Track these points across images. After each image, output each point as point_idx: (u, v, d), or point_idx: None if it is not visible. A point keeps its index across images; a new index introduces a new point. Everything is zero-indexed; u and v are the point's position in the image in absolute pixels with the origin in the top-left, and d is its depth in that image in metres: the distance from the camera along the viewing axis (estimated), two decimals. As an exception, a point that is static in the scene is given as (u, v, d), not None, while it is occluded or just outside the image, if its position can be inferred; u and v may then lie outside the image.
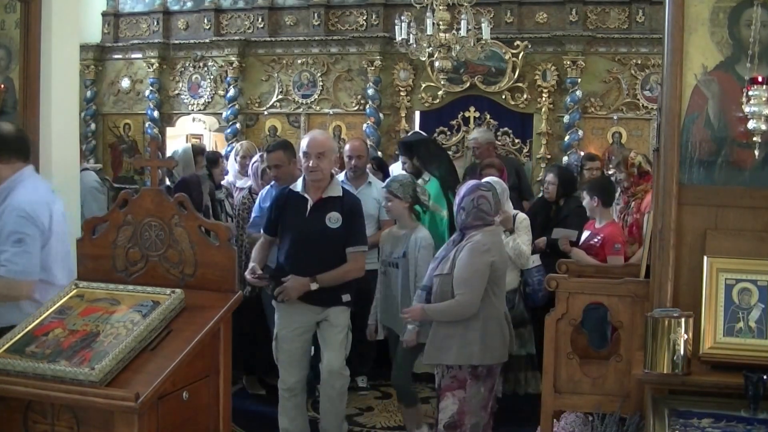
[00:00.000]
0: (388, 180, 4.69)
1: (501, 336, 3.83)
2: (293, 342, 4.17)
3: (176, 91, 9.66)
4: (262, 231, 4.32)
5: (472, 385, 3.74)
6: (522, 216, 5.06)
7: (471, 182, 4.09)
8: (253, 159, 5.72)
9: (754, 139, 2.87)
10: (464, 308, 3.69)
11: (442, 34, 6.95)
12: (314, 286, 4.00)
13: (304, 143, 4.09)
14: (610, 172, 6.05)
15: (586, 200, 5.11)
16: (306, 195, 4.11)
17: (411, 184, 4.52)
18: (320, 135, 4.26)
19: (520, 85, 8.46)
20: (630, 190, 5.45)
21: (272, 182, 5.03)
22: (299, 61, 9.14)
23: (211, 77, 9.48)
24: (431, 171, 5.50)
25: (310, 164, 4.01)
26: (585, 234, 5.16)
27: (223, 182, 6.07)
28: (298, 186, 4.17)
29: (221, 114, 9.41)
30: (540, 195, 6.26)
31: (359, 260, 4.13)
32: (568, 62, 8.25)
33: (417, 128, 8.70)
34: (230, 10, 9.43)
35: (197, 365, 2.73)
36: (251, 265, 4.13)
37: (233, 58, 9.19)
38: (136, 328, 2.63)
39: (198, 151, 5.86)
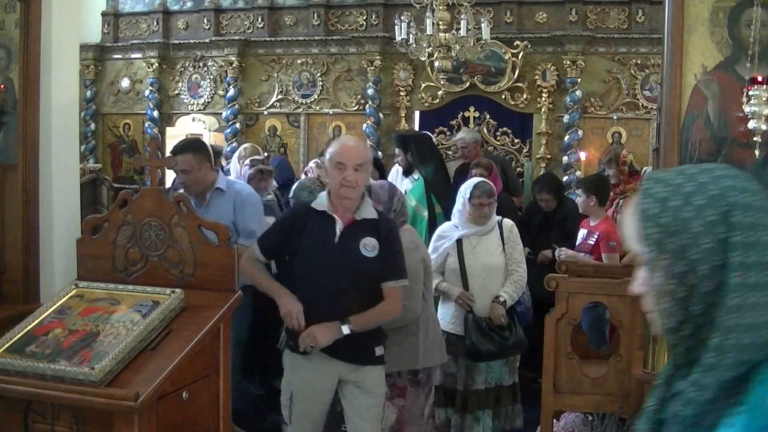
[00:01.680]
0: (293, 188, 4.55)
1: (439, 337, 3.77)
2: (310, 403, 3.27)
3: (176, 91, 9.66)
4: (256, 248, 3.33)
5: (412, 392, 3.58)
6: (510, 223, 4.48)
7: (382, 183, 3.85)
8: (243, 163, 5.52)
9: (754, 138, 2.88)
10: (407, 312, 3.38)
11: (441, 34, 6.95)
12: (346, 330, 3.09)
13: (336, 152, 3.23)
14: (600, 168, 6.04)
15: (582, 198, 5.11)
16: (334, 215, 3.21)
17: (308, 188, 4.42)
18: (357, 143, 3.43)
19: (520, 85, 8.46)
20: (619, 187, 5.45)
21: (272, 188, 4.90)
22: (299, 61, 9.13)
23: (211, 77, 9.48)
24: (419, 170, 5.47)
25: (347, 178, 3.14)
26: (581, 234, 5.16)
27: None
28: (321, 203, 3.24)
29: (221, 114, 9.41)
30: (533, 200, 6.27)
31: (398, 298, 3.23)
32: (568, 62, 8.25)
33: (417, 128, 8.72)
34: (230, 10, 9.43)
35: (197, 365, 2.72)
36: (290, 306, 3.13)
37: (233, 58, 9.19)
38: (136, 328, 2.62)
39: (217, 152, 5.86)
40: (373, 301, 3.17)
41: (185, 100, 9.65)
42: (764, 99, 2.80)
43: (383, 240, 3.20)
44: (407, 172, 5.82)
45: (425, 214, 5.16)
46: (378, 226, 3.21)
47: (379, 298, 3.19)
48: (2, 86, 4.09)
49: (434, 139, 7.51)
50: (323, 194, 3.29)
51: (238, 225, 4.12)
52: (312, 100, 9.13)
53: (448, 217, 4.80)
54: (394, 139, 7.01)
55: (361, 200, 3.25)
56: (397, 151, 5.99)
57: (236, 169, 6.33)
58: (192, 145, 4.30)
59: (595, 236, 4.98)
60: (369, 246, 3.17)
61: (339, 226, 3.19)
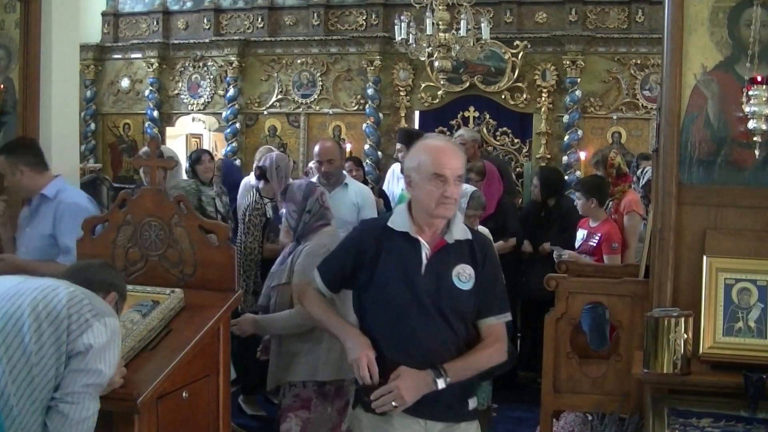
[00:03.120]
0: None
1: None
2: None
3: (176, 91, 9.66)
4: (317, 278, 2.66)
5: (318, 405, 3.26)
6: (485, 230, 4.16)
7: (300, 182, 3.65)
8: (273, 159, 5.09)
9: (755, 138, 2.87)
10: (306, 317, 2.90)
11: (441, 34, 6.96)
12: (442, 384, 2.40)
13: (433, 161, 2.46)
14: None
15: (582, 201, 5.11)
16: (419, 237, 2.51)
17: (195, 192, 4.24)
18: (454, 147, 2.60)
19: (520, 84, 8.47)
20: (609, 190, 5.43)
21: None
22: (299, 61, 9.14)
23: (211, 77, 9.48)
24: None
25: (446, 194, 2.45)
26: (580, 235, 5.15)
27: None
28: (401, 222, 2.54)
29: (221, 114, 9.42)
30: (532, 198, 6.27)
31: (502, 338, 2.56)
32: (568, 62, 8.26)
33: (417, 128, 8.71)
34: (230, 10, 9.44)
35: (197, 365, 2.72)
36: (359, 351, 2.45)
37: (233, 58, 9.20)
38: (135, 327, 2.62)
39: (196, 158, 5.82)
40: (469, 343, 2.51)
41: (185, 100, 9.65)
42: (764, 99, 2.80)
43: (481, 266, 2.54)
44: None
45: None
46: (473, 249, 2.55)
47: (476, 338, 2.54)
48: (2, 86, 4.09)
49: None
50: (401, 209, 2.59)
51: (57, 239, 3.59)
52: (312, 100, 9.13)
53: None
54: (398, 133, 6.97)
55: (455, 216, 2.56)
56: (398, 146, 5.92)
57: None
58: (7, 147, 3.74)
59: (597, 237, 4.98)
60: (464, 275, 2.51)
61: (426, 252, 2.50)
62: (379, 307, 2.52)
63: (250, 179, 5.69)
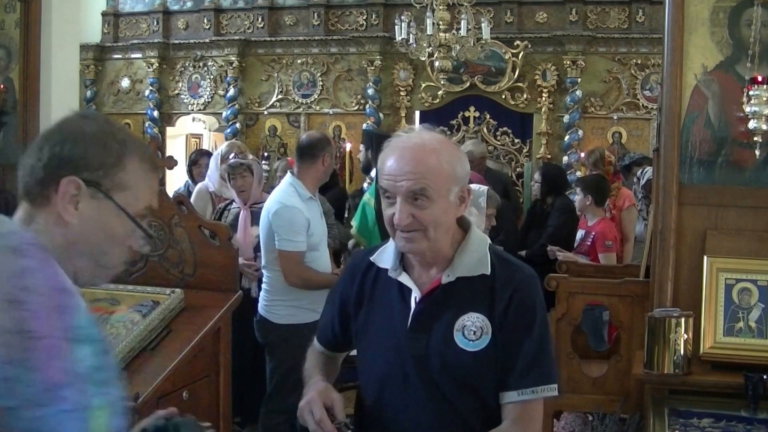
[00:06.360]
0: None
1: None
2: None
3: (176, 91, 9.66)
4: (315, 338, 2.05)
5: None
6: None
7: None
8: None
9: (755, 138, 2.87)
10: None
11: (442, 34, 6.96)
12: None
13: (379, 163, 1.77)
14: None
15: (579, 197, 5.14)
16: (406, 281, 1.79)
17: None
18: (421, 145, 1.71)
19: (520, 84, 8.47)
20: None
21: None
22: (299, 61, 9.14)
23: (211, 77, 9.48)
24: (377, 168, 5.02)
25: (394, 218, 1.70)
26: (579, 234, 5.16)
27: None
28: (384, 254, 1.84)
29: (221, 114, 9.41)
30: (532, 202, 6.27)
31: (534, 420, 1.75)
32: (568, 62, 8.26)
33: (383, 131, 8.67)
34: (230, 10, 9.44)
35: (197, 365, 2.72)
36: (308, 393, 1.78)
37: (233, 58, 9.19)
38: (135, 328, 2.62)
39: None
40: (488, 420, 1.74)
41: (185, 100, 9.65)
42: (764, 99, 2.80)
43: (502, 314, 1.72)
44: (366, 170, 5.46)
45: (373, 204, 4.75)
46: (492, 289, 1.74)
47: (494, 417, 1.74)
48: (2, 86, 4.10)
49: None
50: (391, 244, 1.81)
51: None
52: (312, 100, 9.13)
53: None
54: (363, 134, 6.86)
55: (464, 242, 1.77)
56: (361, 147, 5.83)
57: (216, 174, 5.15)
58: None
59: (592, 236, 4.99)
60: (471, 329, 1.72)
61: (415, 297, 1.77)
62: (362, 375, 1.87)
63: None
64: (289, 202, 3.66)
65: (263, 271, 3.86)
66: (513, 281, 1.74)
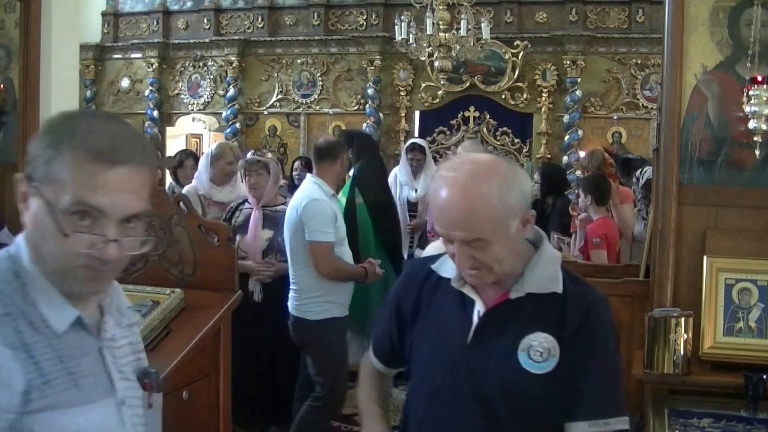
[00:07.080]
0: None
1: None
2: None
3: (176, 91, 9.67)
4: (371, 352, 1.94)
5: None
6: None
7: None
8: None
9: (755, 138, 2.87)
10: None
11: (442, 34, 6.96)
12: None
13: (431, 209, 1.76)
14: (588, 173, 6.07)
15: (581, 197, 5.15)
16: (470, 293, 1.67)
17: None
18: (462, 196, 1.56)
19: (520, 84, 8.47)
20: None
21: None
22: (299, 61, 9.14)
23: (211, 77, 9.48)
24: (354, 166, 4.85)
25: (456, 260, 1.64)
26: (579, 235, 5.17)
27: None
28: (448, 266, 1.70)
29: (221, 114, 9.42)
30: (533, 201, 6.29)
31: None
32: (568, 62, 8.26)
33: (417, 128, 8.70)
34: (230, 10, 9.44)
35: (197, 365, 2.72)
36: None
37: (233, 58, 9.20)
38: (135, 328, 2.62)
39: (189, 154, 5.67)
40: None
41: (185, 100, 9.65)
42: (764, 99, 2.80)
43: (572, 336, 1.60)
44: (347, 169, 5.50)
45: (343, 200, 4.59)
46: (563, 309, 1.62)
47: None
48: (2, 86, 4.09)
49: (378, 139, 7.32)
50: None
51: None
52: (312, 99, 9.13)
53: (371, 210, 4.67)
54: (344, 134, 6.80)
55: (536, 256, 1.66)
56: None
57: (206, 175, 4.92)
58: None
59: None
60: (536, 349, 1.59)
61: (478, 311, 1.65)
62: (415, 389, 1.76)
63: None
64: (317, 195, 3.77)
65: (290, 272, 3.85)
66: (586, 301, 1.63)
